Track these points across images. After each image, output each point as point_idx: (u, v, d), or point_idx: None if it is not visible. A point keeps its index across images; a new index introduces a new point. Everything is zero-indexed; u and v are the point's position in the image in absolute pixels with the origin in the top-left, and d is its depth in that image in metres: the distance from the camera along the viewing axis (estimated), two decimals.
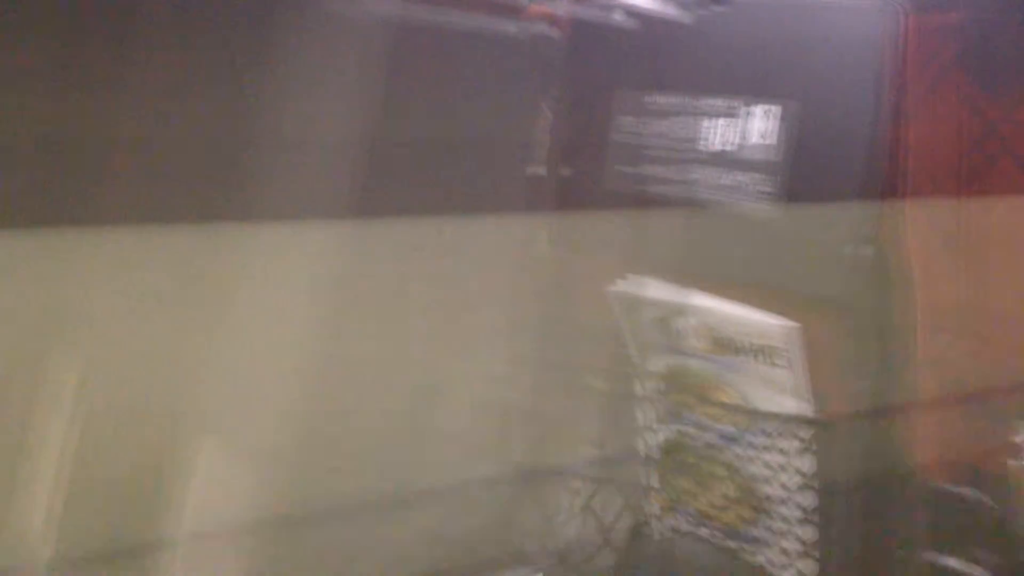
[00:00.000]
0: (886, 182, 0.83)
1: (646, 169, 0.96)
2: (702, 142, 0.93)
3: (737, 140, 0.90)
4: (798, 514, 0.87)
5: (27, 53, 0.69)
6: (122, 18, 0.72)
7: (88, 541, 0.74)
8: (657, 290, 0.93)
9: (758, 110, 0.89)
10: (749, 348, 0.87)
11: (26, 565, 0.73)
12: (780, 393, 0.87)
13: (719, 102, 0.92)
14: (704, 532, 0.94)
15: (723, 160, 0.91)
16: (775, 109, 0.88)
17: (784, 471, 0.87)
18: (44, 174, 0.70)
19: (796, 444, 0.86)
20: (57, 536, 0.73)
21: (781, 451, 0.87)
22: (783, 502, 0.88)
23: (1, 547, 0.72)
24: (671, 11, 0.96)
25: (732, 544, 0.92)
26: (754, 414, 0.88)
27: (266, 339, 0.80)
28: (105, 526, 0.75)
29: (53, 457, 0.72)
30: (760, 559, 0.91)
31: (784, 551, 0.89)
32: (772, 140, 0.88)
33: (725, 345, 0.89)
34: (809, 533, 0.87)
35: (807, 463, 0.86)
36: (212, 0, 0.77)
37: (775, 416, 0.87)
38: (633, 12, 0.98)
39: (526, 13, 0.98)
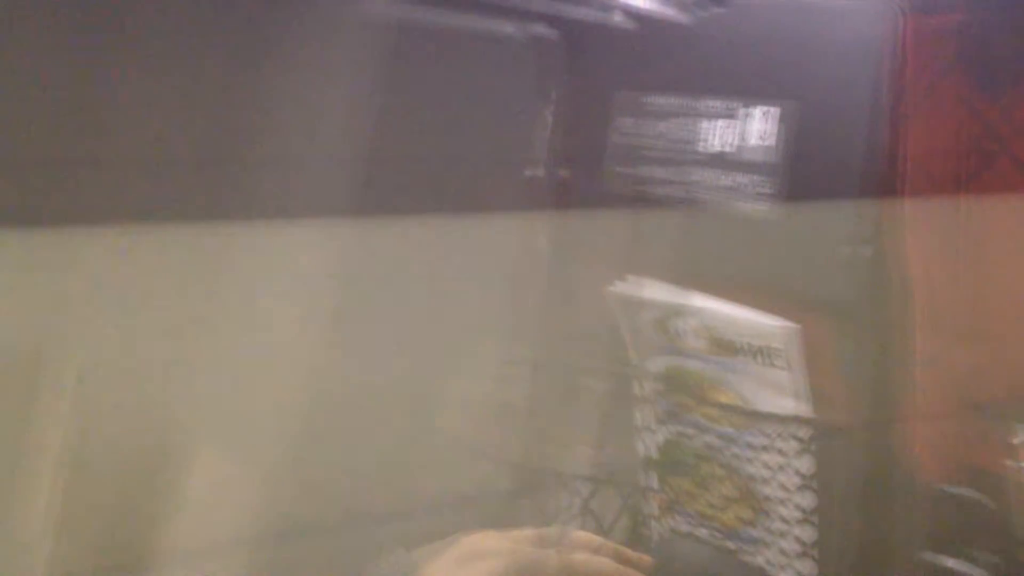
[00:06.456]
0: (885, 183, 0.83)
1: (645, 170, 0.96)
2: (701, 143, 0.93)
3: (736, 141, 0.90)
4: (797, 515, 0.87)
5: (26, 51, 0.69)
6: (123, 13, 0.72)
7: (83, 547, 0.74)
8: (656, 291, 0.93)
9: (757, 111, 0.89)
10: (748, 349, 0.87)
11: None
12: (779, 394, 0.87)
13: (718, 103, 0.92)
14: (703, 533, 0.94)
15: (722, 161, 0.91)
16: (774, 110, 0.88)
17: (783, 472, 0.87)
18: (42, 173, 0.71)
19: (795, 445, 0.86)
20: (52, 542, 0.73)
21: (780, 452, 0.87)
22: (782, 503, 0.88)
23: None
24: (671, 12, 0.96)
25: (731, 544, 0.92)
26: (753, 415, 0.88)
27: (264, 338, 0.80)
28: (101, 531, 0.75)
29: (49, 461, 0.72)
30: (759, 559, 0.90)
31: (783, 551, 0.89)
32: (771, 141, 0.88)
33: (724, 346, 0.89)
34: (808, 533, 0.87)
35: (806, 464, 0.86)
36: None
37: (774, 417, 0.87)
38: (633, 13, 0.98)
39: (526, 14, 0.98)
